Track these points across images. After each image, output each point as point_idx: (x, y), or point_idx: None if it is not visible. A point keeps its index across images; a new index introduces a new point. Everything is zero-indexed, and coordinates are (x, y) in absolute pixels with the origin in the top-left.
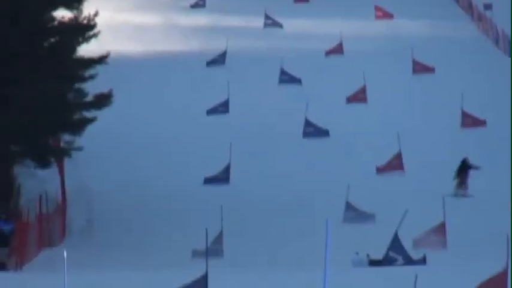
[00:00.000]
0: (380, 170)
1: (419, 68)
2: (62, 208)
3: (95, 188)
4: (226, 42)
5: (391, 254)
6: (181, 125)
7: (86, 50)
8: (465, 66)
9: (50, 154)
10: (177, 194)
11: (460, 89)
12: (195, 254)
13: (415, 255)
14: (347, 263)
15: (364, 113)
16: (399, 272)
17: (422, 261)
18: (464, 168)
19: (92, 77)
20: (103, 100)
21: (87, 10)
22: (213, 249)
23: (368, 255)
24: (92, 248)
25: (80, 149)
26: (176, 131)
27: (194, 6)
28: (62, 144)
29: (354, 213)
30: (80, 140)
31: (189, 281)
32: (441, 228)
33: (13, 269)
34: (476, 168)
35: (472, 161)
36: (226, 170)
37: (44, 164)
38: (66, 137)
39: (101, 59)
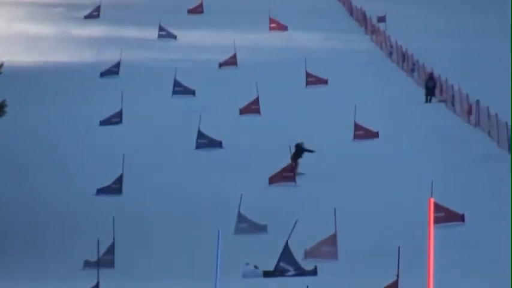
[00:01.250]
0: (272, 181)
1: (313, 79)
2: None
3: None
4: (120, 53)
5: (282, 264)
6: (75, 135)
7: None
8: (358, 78)
9: None
10: (69, 205)
11: (353, 101)
12: (87, 264)
13: (307, 266)
14: (238, 273)
15: (257, 124)
16: (291, 283)
17: (314, 272)
18: (298, 153)
19: None
20: None
21: None
22: (105, 260)
23: (256, 267)
24: None
25: None
26: (69, 142)
27: (88, 17)
28: None
29: (246, 224)
30: None
31: None
32: (332, 240)
33: None
34: (311, 151)
35: (364, 172)
36: (119, 180)
37: None
38: None
39: None
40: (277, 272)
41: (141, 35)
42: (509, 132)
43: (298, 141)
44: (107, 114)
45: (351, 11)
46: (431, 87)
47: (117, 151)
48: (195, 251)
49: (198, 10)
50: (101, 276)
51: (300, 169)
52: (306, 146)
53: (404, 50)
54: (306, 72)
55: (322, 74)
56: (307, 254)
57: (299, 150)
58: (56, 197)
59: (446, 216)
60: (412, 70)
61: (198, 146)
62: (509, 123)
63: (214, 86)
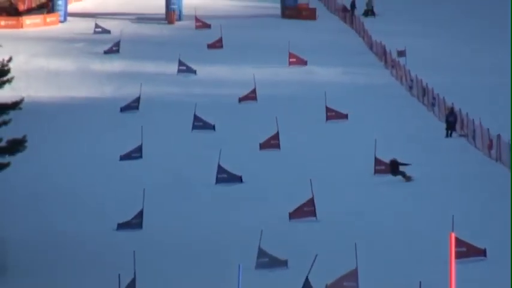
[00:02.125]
0: (293, 216)
1: (333, 114)
2: None
3: (8, 234)
4: (140, 88)
5: None
6: (95, 170)
7: (0, 95)
8: (379, 112)
9: None
10: (90, 240)
11: (373, 136)
12: None
13: None
14: None
15: (277, 159)
16: None
17: None
18: (396, 167)
19: (5, 123)
20: (17, 145)
21: (0, 55)
22: None
23: None
24: None
25: None
26: (90, 176)
27: (108, 52)
28: None
29: (266, 259)
30: None
31: None
32: (354, 275)
33: None
34: (407, 164)
35: (385, 208)
36: (140, 215)
37: None
38: None
39: (15, 105)
40: None
41: (160, 70)
42: None
43: (391, 158)
44: (127, 149)
45: (370, 45)
46: (452, 121)
47: (138, 186)
48: (216, 286)
49: (217, 45)
50: None
51: (407, 175)
52: (399, 160)
53: (424, 84)
54: (326, 106)
55: (342, 108)
56: None
57: (395, 166)
58: (77, 232)
59: (467, 251)
60: (433, 104)
61: (218, 181)
62: None
63: (234, 120)
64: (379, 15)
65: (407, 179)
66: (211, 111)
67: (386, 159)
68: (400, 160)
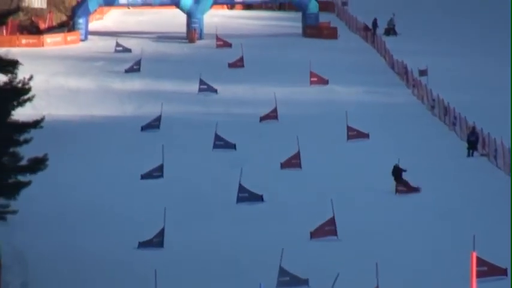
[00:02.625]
0: (314, 235)
1: (354, 133)
2: None
3: (30, 251)
4: (161, 107)
5: None
6: (116, 189)
7: (21, 113)
8: (400, 132)
9: None
10: (111, 258)
11: (394, 155)
12: None
13: None
14: None
15: (298, 178)
16: None
17: None
18: (399, 174)
19: (26, 141)
20: (38, 164)
21: (22, 74)
22: None
23: None
24: None
25: (14, 212)
26: (111, 195)
27: (129, 70)
28: None
29: (287, 278)
30: (14, 204)
31: None
32: None
33: None
34: (404, 170)
35: (407, 227)
36: (161, 234)
37: None
38: (1, 201)
39: (36, 123)
40: None
41: (181, 89)
42: None
43: (395, 164)
44: (148, 168)
45: (392, 64)
46: (473, 141)
47: (159, 205)
48: None
49: (238, 64)
50: None
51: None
52: (401, 165)
53: (446, 103)
54: (347, 126)
55: (363, 127)
56: None
57: (398, 172)
58: (98, 251)
59: (488, 270)
60: (454, 124)
61: (239, 200)
62: None
63: (255, 139)
64: (400, 34)
65: (413, 189)
66: (232, 130)
67: (408, 179)
68: (401, 166)
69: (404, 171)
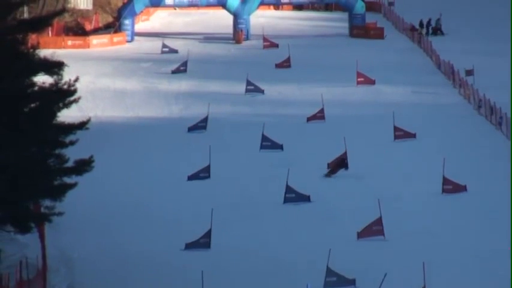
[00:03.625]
0: (361, 235)
1: (401, 133)
2: (42, 274)
3: (75, 253)
4: (207, 108)
5: None
6: (163, 190)
7: (67, 115)
8: (447, 131)
9: (30, 219)
10: (158, 259)
11: (441, 155)
12: None
13: None
14: None
15: (345, 178)
16: None
17: None
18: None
19: (72, 143)
20: (84, 166)
21: (67, 75)
22: None
23: None
24: None
25: (60, 214)
26: (157, 196)
27: (175, 71)
28: (42, 210)
29: (334, 278)
30: (60, 206)
31: None
32: None
33: None
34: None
35: (453, 227)
36: (208, 235)
37: (24, 229)
38: (47, 203)
39: (82, 125)
40: None
41: (228, 90)
42: None
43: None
44: (195, 169)
45: (438, 64)
46: None
47: (206, 206)
48: None
49: (285, 64)
50: None
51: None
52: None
53: (492, 103)
54: (394, 126)
55: (410, 127)
56: None
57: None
58: (145, 253)
59: None
60: (500, 123)
61: (286, 200)
62: None
63: (302, 140)
64: (447, 34)
65: (330, 174)
66: (279, 130)
67: (455, 179)
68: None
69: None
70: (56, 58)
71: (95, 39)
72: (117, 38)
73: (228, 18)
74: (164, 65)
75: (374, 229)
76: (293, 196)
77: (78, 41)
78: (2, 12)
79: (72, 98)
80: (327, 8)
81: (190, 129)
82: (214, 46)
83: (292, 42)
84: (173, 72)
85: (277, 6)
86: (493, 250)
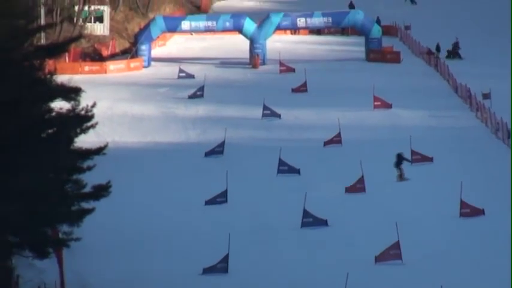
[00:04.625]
0: (379, 260)
1: (418, 157)
2: None
3: (93, 279)
4: (224, 133)
5: None
6: (180, 215)
7: (84, 140)
8: (464, 155)
9: (48, 245)
10: (175, 284)
11: (458, 178)
12: None
13: None
14: None
15: (362, 202)
16: None
17: None
18: (400, 161)
19: (89, 168)
20: (101, 191)
21: (85, 101)
22: None
23: None
24: None
25: (78, 239)
26: (175, 221)
27: (192, 96)
28: (60, 235)
29: None
30: (78, 231)
31: None
32: None
33: None
34: (409, 161)
35: (471, 251)
36: (225, 260)
37: (42, 254)
38: (65, 228)
39: (99, 150)
40: None
41: (245, 114)
42: None
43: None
44: (212, 194)
45: (455, 88)
46: None
47: (223, 230)
48: None
49: (302, 89)
50: None
51: (405, 175)
52: (404, 155)
53: (509, 126)
54: (411, 149)
55: (427, 151)
56: None
57: (399, 160)
58: (163, 277)
59: None
60: None
61: (304, 225)
62: None
63: (319, 164)
64: (464, 58)
65: (402, 179)
66: (296, 155)
67: (473, 203)
68: (404, 155)
69: (408, 161)
70: (73, 84)
71: (111, 65)
72: (134, 63)
73: (245, 43)
74: (181, 90)
75: (392, 253)
76: (310, 220)
77: (95, 66)
78: (19, 38)
79: (89, 124)
80: (344, 32)
81: (208, 154)
82: (231, 71)
83: (309, 67)
84: (190, 97)
85: (294, 31)
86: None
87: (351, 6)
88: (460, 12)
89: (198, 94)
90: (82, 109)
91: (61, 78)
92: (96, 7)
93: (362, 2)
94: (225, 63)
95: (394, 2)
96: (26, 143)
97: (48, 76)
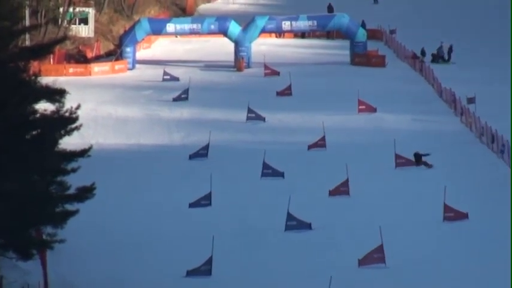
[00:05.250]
0: (362, 263)
1: (402, 161)
2: None
3: (77, 280)
4: (209, 136)
5: None
6: (164, 217)
7: (68, 142)
8: (448, 160)
9: (32, 246)
10: (159, 286)
11: (442, 183)
12: None
13: None
14: None
15: (346, 206)
16: None
17: None
18: (419, 158)
19: (74, 170)
20: (85, 193)
21: (69, 103)
22: None
23: None
24: None
25: (62, 241)
26: (158, 223)
27: (177, 99)
28: (44, 237)
29: None
30: (62, 233)
31: None
32: None
33: None
34: (427, 154)
35: (455, 254)
36: (209, 262)
37: (26, 256)
38: (49, 229)
39: (83, 152)
40: None
41: (229, 118)
42: None
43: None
44: (196, 197)
45: (440, 92)
46: None
47: (207, 233)
48: None
49: (286, 92)
50: None
51: (429, 163)
52: (421, 152)
53: (494, 131)
54: (395, 153)
55: (411, 155)
56: None
57: (418, 158)
58: (146, 280)
59: None
60: (502, 151)
61: (287, 228)
62: None
63: (303, 167)
64: (454, 63)
65: (429, 166)
66: (280, 158)
67: (456, 207)
68: (421, 152)
69: (427, 154)
70: (58, 85)
71: (96, 67)
72: (118, 65)
73: (230, 46)
74: (165, 92)
75: (375, 256)
76: (294, 224)
77: (80, 68)
78: (4, 39)
79: (73, 126)
80: (329, 36)
81: (192, 156)
82: (216, 74)
83: (294, 70)
84: (174, 99)
85: (279, 34)
86: (495, 277)
87: (330, 9)
88: (445, 15)
89: (183, 97)
90: (66, 111)
91: (46, 80)
92: (81, 9)
93: (340, 4)
94: (210, 66)
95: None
96: (10, 144)
97: (33, 78)
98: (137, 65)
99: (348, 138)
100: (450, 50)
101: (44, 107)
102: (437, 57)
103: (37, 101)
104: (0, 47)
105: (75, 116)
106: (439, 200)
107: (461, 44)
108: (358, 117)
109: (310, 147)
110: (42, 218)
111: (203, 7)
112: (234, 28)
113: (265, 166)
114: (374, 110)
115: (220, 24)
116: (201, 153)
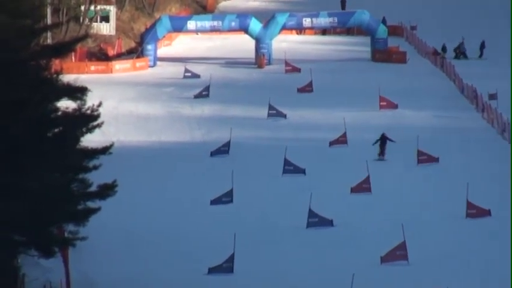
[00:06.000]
0: (384, 260)
1: (424, 157)
2: None
3: (99, 278)
4: (230, 132)
5: None
6: (185, 214)
7: (90, 140)
8: (470, 156)
9: (54, 244)
10: (181, 284)
11: (464, 179)
12: None
13: None
14: None
15: (368, 202)
16: None
17: None
18: (383, 141)
19: (95, 168)
20: (107, 190)
21: (90, 100)
22: None
23: None
24: None
25: (84, 239)
26: (180, 221)
27: (198, 96)
28: (66, 234)
29: None
30: (84, 230)
31: None
32: None
33: None
34: (392, 141)
35: (477, 251)
36: (231, 259)
37: (48, 254)
38: (71, 227)
39: (105, 150)
40: None
41: (250, 114)
42: None
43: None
44: (218, 194)
45: (461, 88)
46: None
47: (228, 230)
48: None
49: (307, 89)
50: None
51: (382, 155)
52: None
53: None
54: (418, 150)
55: (433, 151)
56: None
57: (383, 140)
58: (168, 277)
59: None
60: None
61: (309, 225)
62: None
63: (324, 164)
64: (470, 58)
65: (381, 157)
66: (301, 155)
67: (479, 203)
68: (389, 136)
69: (392, 141)
70: (79, 83)
71: (117, 64)
72: (139, 63)
73: (250, 43)
74: (186, 89)
75: (398, 254)
76: (316, 220)
77: (101, 66)
78: (26, 38)
79: (95, 123)
80: (349, 32)
81: (213, 153)
82: (237, 71)
83: (315, 67)
84: (195, 96)
85: (300, 31)
86: None
87: (343, 4)
88: (466, 12)
89: (204, 94)
90: (88, 109)
91: (67, 78)
92: (102, 7)
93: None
94: (231, 63)
95: None
96: (32, 142)
97: (55, 76)
98: (158, 63)
99: (370, 134)
100: (482, 45)
101: (65, 104)
102: (460, 54)
103: (59, 99)
104: (21, 46)
105: (97, 114)
106: (461, 197)
107: (481, 40)
108: (379, 113)
109: (331, 143)
110: (63, 216)
111: (224, 4)
112: (255, 25)
113: (287, 163)
114: (395, 107)
115: (241, 22)
116: (222, 150)
